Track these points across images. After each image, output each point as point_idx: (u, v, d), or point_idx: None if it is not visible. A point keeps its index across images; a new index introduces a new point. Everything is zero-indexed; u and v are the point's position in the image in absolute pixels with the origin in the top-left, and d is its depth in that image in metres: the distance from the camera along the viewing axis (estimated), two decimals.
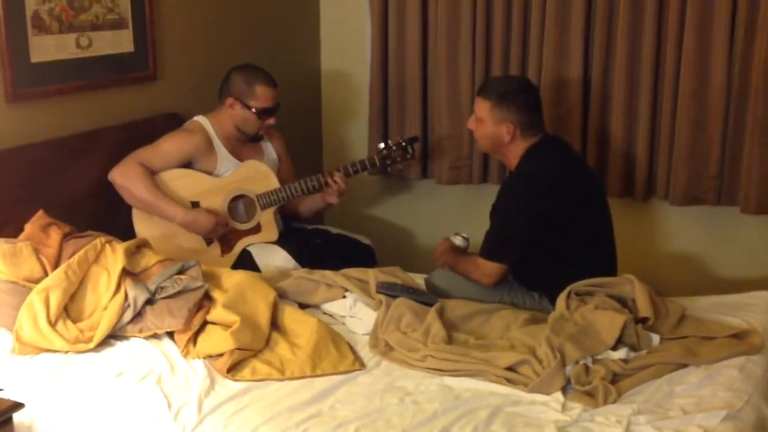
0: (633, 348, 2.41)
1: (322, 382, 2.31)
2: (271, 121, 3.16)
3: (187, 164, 3.08)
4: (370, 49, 3.86)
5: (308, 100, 4.08)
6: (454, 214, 3.89)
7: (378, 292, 2.71)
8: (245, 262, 3.07)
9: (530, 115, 2.85)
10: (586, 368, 2.30)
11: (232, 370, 2.35)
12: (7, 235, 2.60)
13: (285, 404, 2.19)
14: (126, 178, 2.95)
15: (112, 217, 2.97)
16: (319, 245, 3.25)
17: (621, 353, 2.37)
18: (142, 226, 3.01)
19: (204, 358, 2.41)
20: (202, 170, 3.10)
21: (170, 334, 2.51)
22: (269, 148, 3.31)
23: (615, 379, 2.28)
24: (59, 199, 2.82)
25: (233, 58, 3.30)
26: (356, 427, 2.07)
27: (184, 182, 3.05)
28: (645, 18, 3.33)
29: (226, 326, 2.47)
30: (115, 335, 2.49)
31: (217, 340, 2.44)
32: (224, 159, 3.13)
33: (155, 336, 2.51)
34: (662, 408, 2.14)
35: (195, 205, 3.07)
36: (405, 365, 2.41)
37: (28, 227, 2.63)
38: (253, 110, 3.11)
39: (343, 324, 2.69)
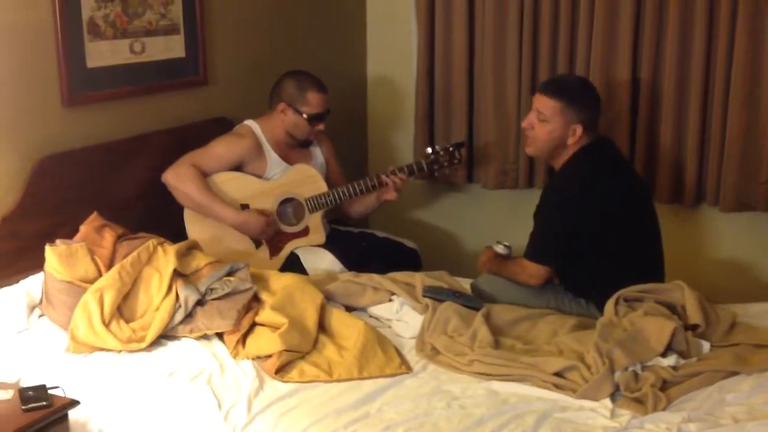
0: (683, 355, 2.39)
1: (369, 385, 2.33)
2: (321, 126, 3.20)
3: (238, 167, 3.13)
4: (416, 55, 3.87)
5: (354, 105, 4.10)
6: (500, 219, 3.88)
7: (424, 296, 2.73)
8: (293, 264, 3.10)
9: (596, 114, 2.85)
10: (636, 375, 2.28)
11: (281, 371, 2.38)
12: (63, 236, 2.66)
13: (332, 406, 2.21)
14: (179, 179, 3.01)
15: (162, 219, 3.02)
16: (365, 249, 3.27)
17: (670, 360, 2.35)
18: (193, 227, 3.06)
19: (253, 359, 2.45)
20: (252, 173, 3.15)
21: (220, 335, 2.55)
22: (317, 153, 3.34)
23: (665, 386, 2.26)
24: (112, 201, 2.89)
25: (281, 64, 3.34)
26: (404, 430, 2.09)
27: (234, 185, 3.10)
28: (695, 21, 3.29)
29: (275, 328, 2.50)
30: (166, 335, 2.54)
31: (265, 341, 2.47)
32: (273, 162, 3.17)
33: (205, 336, 2.55)
34: (713, 416, 2.12)
35: (245, 207, 3.11)
36: (452, 369, 2.42)
37: (83, 228, 2.70)
38: (305, 116, 3.14)
39: (390, 327, 2.70)
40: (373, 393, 2.29)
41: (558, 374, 2.31)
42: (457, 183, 3.93)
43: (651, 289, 2.62)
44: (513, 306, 2.76)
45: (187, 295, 2.55)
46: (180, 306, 2.55)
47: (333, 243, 3.21)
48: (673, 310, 2.54)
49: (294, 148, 3.25)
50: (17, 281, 2.63)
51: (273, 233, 3.13)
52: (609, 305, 2.58)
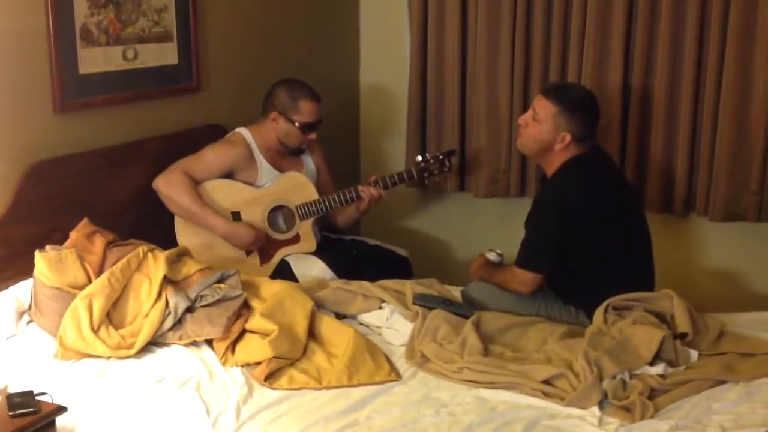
0: (671, 363, 2.40)
1: (359, 392, 2.33)
2: (314, 135, 3.21)
3: (229, 174, 3.13)
4: (409, 63, 3.88)
5: (347, 113, 4.11)
6: (491, 227, 3.89)
7: (414, 304, 2.73)
8: (283, 272, 3.10)
9: (589, 128, 2.88)
10: (624, 383, 2.29)
11: (270, 378, 2.38)
12: (53, 242, 2.66)
13: (322, 413, 2.21)
14: (170, 186, 3.01)
15: (153, 226, 3.03)
16: (356, 256, 3.28)
17: (659, 369, 2.36)
18: (183, 234, 3.06)
19: (242, 366, 2.44)
20: (243, 181, 3.15)
21: (209, 342, 2.55)
22: (308, 161, 3.35)
23: (652, 394, 2.27)
24: (103, 208, 2.89)
25: (274, 71, 3.36)
26: None
27: (225, 192, 3.10)
28: (686, 31, 3.31)
29: (265, 335, 2.50)
30: (155, 342, 2.53)
31: (255, 348, 2.47)
32: (265, 170, 3.18)
33: (194, 343, 2.55)
34: (700, 424, 2.12)
35: (236, 215, 3.11)
36: (441, 377, 2.42)
37: (73, 235, 2.69)
38: (297, 124, 3.15)
39: (380, 335, 2.70)
40: (363, 400, 2.29)
41: (546, 382, 2.31)
42: (448, 191, 3.94)
43: (640, 298, 2.63)
44: (503, 314, 2.76)
45: (177, 302, 2.55)
46: (169, 313, 2.54)
47: (324, 250, 3.22)
48: (662, 318, 2.55)
49: (285, 156, 3.26)
50: (6, 287, 2.62)
51: (262, 245, 3.14)
52: (598, 313, 2.59)
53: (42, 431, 2.04)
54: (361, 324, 2.76)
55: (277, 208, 3.18)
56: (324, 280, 3.03)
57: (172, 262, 2.68)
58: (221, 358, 2.47)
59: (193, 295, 2.59)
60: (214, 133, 3.28)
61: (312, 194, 3.20)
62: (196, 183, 3.05)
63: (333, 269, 3.10)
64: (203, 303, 2.58)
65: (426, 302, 2.73)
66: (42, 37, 2.72)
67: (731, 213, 3.36)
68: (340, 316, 2.76)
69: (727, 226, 3.42)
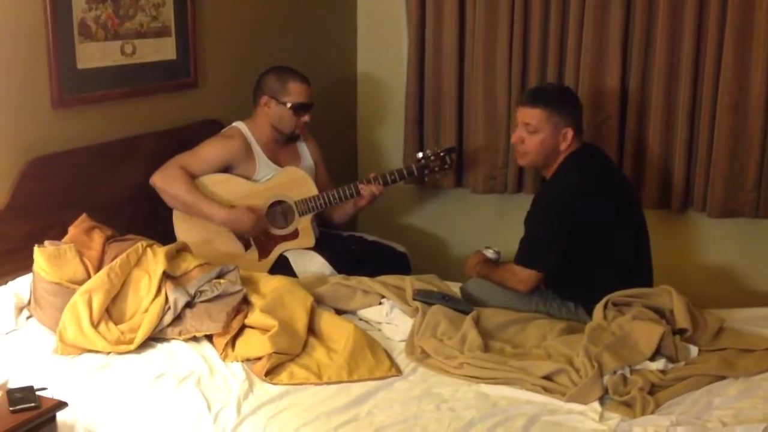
0: (671, 359, 2.41)
1: (359, 388, 2.33)
2: (306, 117, 3.20)
3: (226, 169, 3.13)
4: (407, 59, 3.88)
5: (344, 107, 4.11)
6: (488, 224, 3.90)
7: (414, 299, 2.73)
8: (282, 267, 3.10)
9: (581, 119, 2.88)
10: (624, 378, 2.29)
11: (270, 373, 2.37)
12: (52, 237, 2.65)
13: (322, 408, 2.21)
14: (167, 181, 3.00)
15: (151, 221, 3.02)
16: (355, 252, 3.28)
17: (659, 364, 2.37)
18: (182, 230, 3.06)
19: (242, 361, 2.44)
20: (241, 175, 3.15)
21: (209, 337, 2.55)
22: (306, 154, 3.34)
23: (653, 389, 2.27)
24: (101, 203, 2.88)
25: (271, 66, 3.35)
26: None
27: (224, 187, 3.09)
28: (684, 28, 3.32)
29: (264, 330, 2.50)
30: (155, 337, 2.53)
31: (255, 343, 2.47)
32: (262, 164, 3.17)
33: (194, 339, 2.54)
34: (701, 419, 2.13)
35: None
36: (441, 372, 2.42)
37: (72, 230, 2.69)
38: (288, 105, 3.14)
39: (380, 330, 2.70)
40: (363, 396, 2.29)
41: (547, 377, 2.31)
42: (446, 187, 3.94)
43: (639, 294, 2.63)
44: (502, 310, 2.76)
45: (177, 297, 2.55)
46: (169, 308, 2.54)
47: (322, 246, 3.22)
48: (662, 314, 2.56)
49: (283, 147, 3.25)
50: (5, 282, 2.61)
51: (262, 230, 3.12)
52: (598, 309, 2.59)
53: (42, 426, 2.03)
54: (361, 319, 2.76)
55: (276, 203, 3.17)
56: (323, 275, 3.02)
57: (172, 258, 2.67)
58: (221, 354, 2.47)
59: (192, 291, 2.58)
60: (212, 128, 3.27)
61: (311, 190, 3.20)
62: (193, 178, 3.05)
63: (332, 265, 3.10)
64: (203, 298, 2.58)
65: (426, 298, 2.73)
66: (40, 32, 2.71)
67: (729, 209, 3.37)
68: (339, 312, 2.76)
69: (724, 223, 3.43)
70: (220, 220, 3.03)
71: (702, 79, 3.33)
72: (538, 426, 2.12)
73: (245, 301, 2.62)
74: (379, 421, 2.15)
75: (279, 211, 3.18)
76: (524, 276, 2.79)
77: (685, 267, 3.53)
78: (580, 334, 2.51)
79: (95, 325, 2.46)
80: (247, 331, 2.54)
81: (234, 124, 3.21)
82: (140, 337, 2.48)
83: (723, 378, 2.34)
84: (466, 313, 2.67)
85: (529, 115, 2.84)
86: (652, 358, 2.39)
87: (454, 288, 2.98)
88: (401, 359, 2.51)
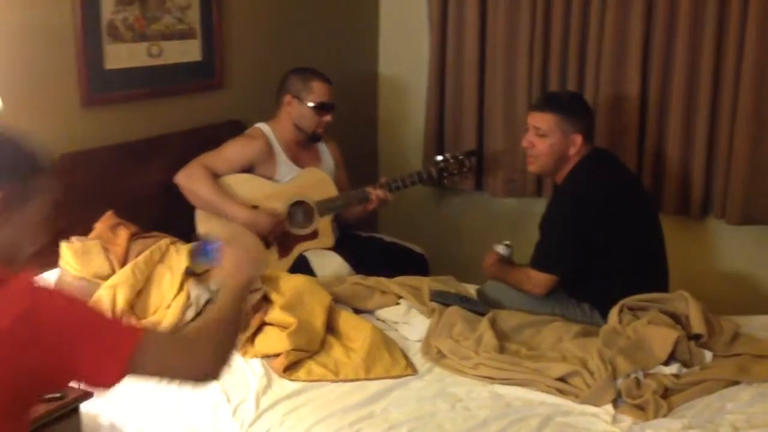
0: (685, 364, 2.43)
1: (375, 386, 2.37)
2: (328, 117, 3.24)
3: (249, 169, 3.18)
4: (428, 62, 3.91)
5: (365, 109, 4.15)
6: (507, 227, 3.91)
7: (431, 300, 2.77)
8: (302, 266, 3.14)
9: (592, 126, 2.93)
10: (638, 382, 2.32)
11: (288, 370, 2.42)
12: (78, 233, 2.71)
13: (339, 405, 2.25)
14: (191, 180, 3.06)
15: (174, 219, 3.06)
16: (374, 253, 3.32)
17: (673, 368, 2.39)
18: (204, 228, 3.11)
19: (261, 357, 2.49)
20: (263, 175, 3.19)
21: None
22: (327, 155, 3.39)
23: (666, 393, 2.29)
24: (127, 201, 2.93)
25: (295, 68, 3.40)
26: (408, 430, 2.13)
27: (245, 187, 3.14)
28: (704, 35, 3.32)
29: (283, 327, 2.54)
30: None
31: (274, 340, 2.52)
32: (284, 165, 3.22)
33: None
34: (713, 423, 2.15)
35: (255, 209, 3.15)
36: (457, 372, 2.46)
37: (98, 226, 2.75)
38: (310, 104, 3.19)
39: (396, 330, 2.74)
40: (379, 393, 2.33)
41: (561, 379, 2.34)
42: (466, 190, 3.97)
43: (655, 299, 2.66)
44: (518, 312, 2.79)
45: (199, 294, 2.60)
46: (191, 304, 2.59)
47: (341, 246, 3.25)
48: (677, 319, 2.58)
49: (304, 149, 3.30)
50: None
51: (281, 233, 3.17)
52: (613, 313, 2.62)
53: (67, 416, 2.09)
54: (378, 319, 2.80)
55: (297, 204, 3.21)
56: (342, 275, 3.06)
57: None
58: (241, 350, 2.51)
59: (214, 287, 2.63)
60: (235, 129, 3.32)
61: (331, 191, 3.24)
62: (216, 177, 3.10)
63: (351, 265, 3.14)
64: None
65: (443, 299, 2.77)
66: (69, 33, 2.78)
67: (748, 216, 3.37)
68: (357, 311, 2.80)
69: (743, 230, 3.43)
70: (242, 220, 3.08)
71: (721, 87, 3.34)
72: (552, 427, 2.15)
73: (265, 299, 2.67)
74: (393, 418, 2.19)
75: (300, 211, 3.23)
76: (539, 280, 2.82)
77: (704, 273, 3.53)
78: (595, 337, 2.54)
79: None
80: (266, 328, 2.59)
81: (257, 125, 3.26)
82: None
83: (737, 383, 2.35)
84: (482, 314, 2.71)
85: (539, 120, 2.89)
86: (667, 363, 2.41)
87: (471, 290, 3.01)
88: (417, 359, 2.55)
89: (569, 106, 2.92)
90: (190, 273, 2.65)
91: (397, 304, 2.81)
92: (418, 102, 4.00)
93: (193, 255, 2.42)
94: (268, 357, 2.49)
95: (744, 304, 3.28)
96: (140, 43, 3.00)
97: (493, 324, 2.64)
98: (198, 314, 2.58)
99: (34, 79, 2.70)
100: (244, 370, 2.43)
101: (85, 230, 2.74)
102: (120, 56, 2.94)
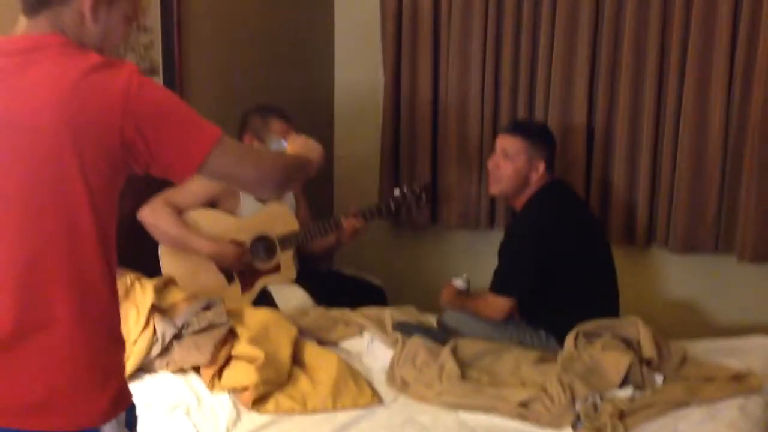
0: (638, 387, 2.54)
1: (343, 416, 2.43)
2: None
3: (212, 204, 3.22)
4: (382, 96, 4.02)
5: (321, 144, 4.20)
6: (462, 258, 4.01)
7: (394, 330, 2.84)
8: (264, 300, 3.19)
9: (554, 157, 3.08)
10: (595, 405, 2.42)
11: (257, 403, 2.46)
12: None
13: None
14: (155, 216, 3.09)
15: (138, 255, 3.08)
16: (334, 285, 3.38)
17: (627, 392, 2.50)
18: (167, 264, 3.14)
19: (229, 391, 2.52)
20: (226, 210, 3.24)
21: (196, 369, 2.62)
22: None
23: (622, 415, 2.39)
24: None
25: (256, 104, 3.46)
26: None
27: (209, 222, 3.19)
28: (646, 71, 3.48)
29: (251, 361, 2.58)
30: (143, 369, 2.60)
31: (241, 374, 2.55)
32: (247, 200, 3.27)
33: (182, 370, 2.62)
34: None
35: None
36: (422, 400, 2.53)
37: None
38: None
39: (360, 361, 2.80)
40: (347, 424, 2.38)
41: (522, 404, 2.43)
42: (421, 223, 4.06)
43: (608, 325, 2.78)
44: (478, 340, 2.88)
45: (164, 329, 2.62)
46: (157, 340, 2.61)
47: (303, 280, 3.31)
48: (629, 344, 2.70)
49: None
50: None
51: (246, 264, 3.22)
52: (569, 339, 2.73)
53: None
54: (343, 350, 2.85)
55: (259, 239, 3.27)
56: (305, 308, 3.12)
57: (159, 291, 2.75)
58: (209, 384, 2.55)
59: (180, 323, 2.66)
60: None
61: (293, 225, 3.30)
62: (180, 212, 3.14)
63: (313, 298, 3.20)
64: (190, 330, 2.66)
65: (405, 329, 2.84)
66: None
67: (690, 245, 3.53)
68: (322, 343, 2.86)
69: (687, 257, 3.59)
70: (206, 252, 3.12)
71: (664, 121, 3.50)
72: None
73: (231, 333, 2.70)
74: None
75: (262, 245, 3.28)
76: (499, 304, 2.92)
77: (650, 300, 3.68)
78: (553, 363, 2.64)
79: None
80: (233, 361, 2.62)
81: None
82: (129, 368, 2.53)
83: (687, 405, 2.47)
84: (444, 343, 2.79)
85: (509, 142, 3.03)
86: (621, 386, 2.52)
87: (431, 320, 3.09)
88: (382, 388, 2.61)
89: (537, 133, 3.08)
90: (155, 309, 2.68)
91: (361, 335, 2.88)
92: (374, 138, 4.09)
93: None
94: (236, 391, 2.52)
95: (688, 330, 3.42)
96: None
97: (454, 352, 2.72)
98: (164, 350, 2.61)
99: None
100: (212, 404, 2.46)
101: None
102: None
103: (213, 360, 2.60)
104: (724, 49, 3.36)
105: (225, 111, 3.56)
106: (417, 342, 2.76)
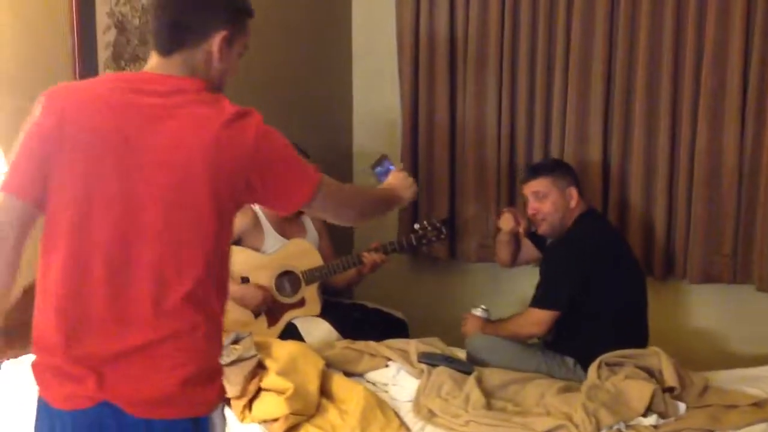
0: (662, 415, 2.58)
1: None
2: None
3: (237, 241, 3.29)
4: (401, 134, 4.10)
5: (341, 180, 4.28)
6: (481, 291, 4.05)
7: (419, 362, 2.89)
8: (290, 334, 3.24)
9: (578, 180, 3.19)
10: None
11: None
12: None
13: None
14: None
15: None
16: (358, 319, 3.44)
17: (651, 420, 2.54)
18: None
19: (260, 422, 2.58)
20: (251, 247, 3.32)
21: (227, 400, 2.67)
22: (310, 226, 3.52)
23: None
24: None
25: None
26: None
27: (235, 259, 3.19)
28: (660, 106, 3.56)
29: (280, 392, 2.64)
30: None
31: (271, 405, 2.61)
32: (270, 236, 3.35)
33: None
34: None
35: (245, 279, 3.27)
36: (448, 430, 2.57)
37: None
38: None
39: (387, 392, 2.85)
40: None
41: None
42: (440, 257, 4.12)
43: (630, 355, 2.82)
44: (503, 370, 2.91)
45: None
46: None
47: (327, 313, 3.37)
48: (651, 374, 2.74)
49: (289, 221, 3.43)
50: None
51: (269, 307, 3.28)
52: (592, 369, 2.77)
53: None
54: (369, 381, 2.90)
55: (284, 274, 3.34)
56: (330, 340, 3.17)
57: None
58: (239, 416, 2.60)
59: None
60: None
61: (317, 260, 3.37)
62: None
63: (338, 330, 3.25)
64: (221, 364, 2.71)
65: (430, 360, 2.89)
66: None
67: (708, 275, 3.58)
68: (348, 375, 2.90)
69: (705, 288, 3.64)
70: (231, 294, 3.17)
71: (678, 155, 3.56)
72: None
73: (260, 366, 2.76)
74: None
75: (287, 280, 3.35)
76: (540, 317, 3.00)
77: (670, 330, 3.70)
78: (577, 392, 2.68)
79: None
80: (263, 393, 2.68)
81: None
82: None
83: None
84: (469, 373, 2.83)
85: (536, 185, 3.15)
86: (645, 414, 2.56)
87: (457, 352, 3.13)
88: (409, 418, 2.66)
89: (554, 166, 3.23)
90: None
91: (386, 366, 2.93)
92: None
93: (374, 165, 2.58)
94: (266, 422, 2.58)
95: (709, 360, 3.44)
96: None
97: (479, 382, 2.77)
98: None
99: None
100: None
101: None
102: None
103: (243, 392, 2.65)
104: (736, 83, 3.43)
105: None
106: (442, 372, 2.81)
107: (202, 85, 1.71)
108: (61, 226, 1.65)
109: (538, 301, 3.03)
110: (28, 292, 1.77)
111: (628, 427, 2.51)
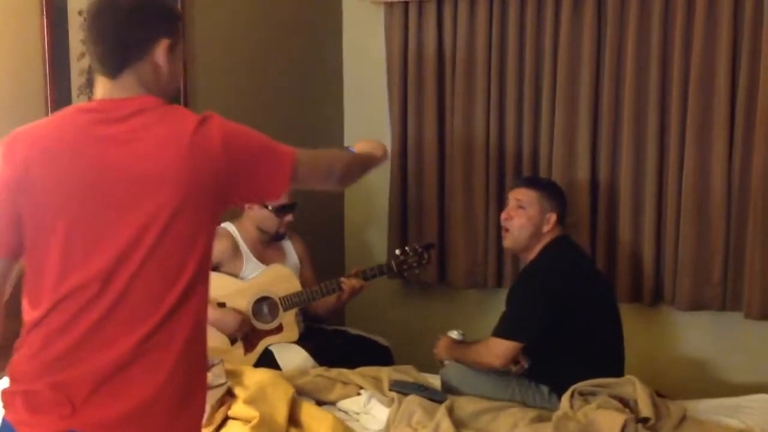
0: None
1: None
2: (289, 217, 3.37)
3: (215, 267, 3.28)
4: (390, 161, 4.08)
5: (332, 207, 4.29)
6: (470, 317, 4.01)
7: (391, 390, 2.85)
8: (267, 361, 3.21)
9: (565, 211, 3.13)
10: None
11: None
12: None
13: None
14: None
15: None
16: (339, 346, 3.41)
17: None
18: None
19: None
20: (229, 273, 3.30)
21: None
22: (291, 252, 3.51)
23: None
24: None
25: None
26: None
27: (212, 284, 3.22)
28: (648, 129, 3.53)
29: (246, 421, 2.61)
30: None
31: None
32: (249, 262, 3.34)
33: None
34: None
35: (221, 305, 3.26)
36: None
37: None
38: (270, 208, 3.33)
39: (357, 420, 2.81)
40: None
41: None
42: (429, 282, 4.09)
43: (604, 384, 2.76)
44: (476, 398, 2.87)
45: None
46: None
47: (307, 340, 3.34)
48: (626, 403, 2.68)
49: (269, 246, 3.42)
50: None
51: (247, 331, 3.27)
52: (564, 398, 2.72)
53: None
54: (340, 410, 2.87)
55: (262, 299, 3.32)
56: (306, 368, 3.14)
57: None
58: None
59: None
60: None
61: (296, 286, 3.35)
62: None
63: (316, 358, 3.22)
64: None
65: (401, 388, 2.86)
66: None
67: (697, 303, 3.52)
68: (320, 403, 2.87)
69: (693, 315, 3.57)
70: (208, 318, 3.16)
71: (666, 183, 3.53)
72: None
73: (229, 394, 2.74)
74: None
75: (264, 306, 3.33)
76: (500, 348, 2.91)
77: (658, 358, 3.65)
78: (549, 423, 2.63)
79: None
80: (230, 422, 2.65)
81: (222, 224, 3.38)
82: None
83: None
84: (440, 402, 2.79)
85: (522, 194, 3.11)
86: None
87: (435, 380, 3.09)
88: None
89: (549, 186, 3.18)
90: None
91: (358, 394, 2.89)
92: (383, 200, 4.14)
93: None
94: None
95: (695, 389, 3.38)
96: None
97: (451, 412, 2.72)
98: None
99: None
100: None
101: None
102: None
103: (210, 421, 2.62)
104: (723, 107, 3.40)
105: None
106: (413, 401, 2.77)
107: (159, 101, 1.72)
108: (42, 275, 1.68)
109: (500, 330, 2.96)
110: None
111: None
